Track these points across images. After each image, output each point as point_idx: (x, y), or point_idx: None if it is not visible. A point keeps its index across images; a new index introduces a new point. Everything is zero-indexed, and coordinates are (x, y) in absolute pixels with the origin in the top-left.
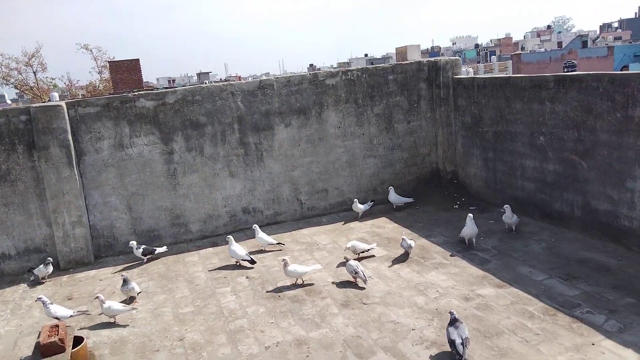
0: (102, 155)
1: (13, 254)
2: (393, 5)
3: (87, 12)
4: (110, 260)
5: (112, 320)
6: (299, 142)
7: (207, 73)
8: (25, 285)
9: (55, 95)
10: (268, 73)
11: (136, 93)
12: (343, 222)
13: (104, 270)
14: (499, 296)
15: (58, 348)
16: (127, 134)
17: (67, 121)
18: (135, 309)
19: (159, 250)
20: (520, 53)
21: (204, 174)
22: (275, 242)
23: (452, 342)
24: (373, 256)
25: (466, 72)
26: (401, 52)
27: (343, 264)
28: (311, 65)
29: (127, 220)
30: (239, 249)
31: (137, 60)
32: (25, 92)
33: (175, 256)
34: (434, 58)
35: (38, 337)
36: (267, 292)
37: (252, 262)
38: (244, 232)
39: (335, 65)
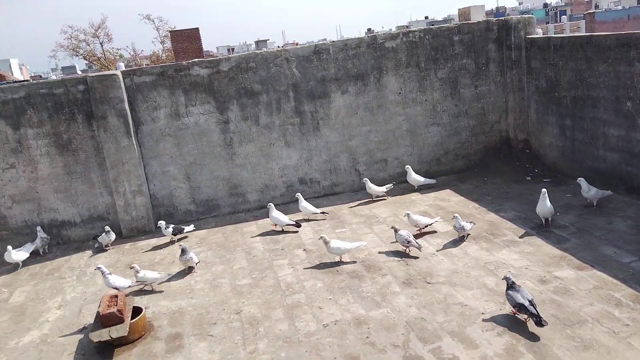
0: (159, 125)
1: (78, 222)
2: None
3: None
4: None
5: (148, 288)
6: (356, 110)
7: (265, 41)
8: (90, 252)
9: (121, 65)
10: (325, 39)
11: (190, 61)
12: (402, 194)
13: (164, 239)
14: (580, 279)
15: (117, 319)
16: (182, 103)
17: (124, 90)
18: (170, 274)
19: (187, 229)
20: (593, 12)
21: (260, 143)
22: (319, 211)
23: (520, 306)
24: (435, 232)
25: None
26: (464, 14)
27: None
28: (369, 29)
29: (185, 189)
30: (281, 215)
31: (197, 29)
32: (94, 62)
33: (234, 226)
34: (504, 17)
35: (99, 307)
36: (324, 265)
37: (298, 225)
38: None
39: (393, 30)
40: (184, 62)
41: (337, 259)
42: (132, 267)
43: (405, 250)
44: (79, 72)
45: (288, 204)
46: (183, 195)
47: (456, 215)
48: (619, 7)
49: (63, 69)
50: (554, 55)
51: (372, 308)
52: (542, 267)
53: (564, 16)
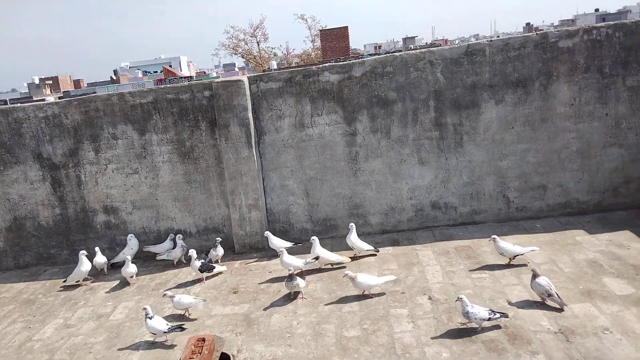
0: (282, 135)
1: (193, 232)
2: None
3: None
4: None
5: (185, 314)
6: (512, 124)
7: (413, 37)
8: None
9: (274, 63)
10: (477, 35)
11: (320, 66)
12: (564, 229)
13: (274, 260)
14: None
15: None
16: (308, 112)
17: (248, 97)
18: (205, 300)
19: (218, 268)
20: None
21: (389, 159)
22: (370, 247)
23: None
24: (611, 293)
25: None
26: None
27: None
28: (528, 24)
29: (303, 206)
30: (509, 244)
31: (346, 27)
32: (250, 60)
33: (349, 252)
34: None
35: (183, 351)
36: (454, 325)
37: (376, 250)
38: (430, 231)
39: (557, 24)
40: (313, 67)
41: (361, 292)
42: (165, 295)
43: (542, 301)
44: (237, 70)
45: (416, 231)
46: (300, 212)
47: (534, 268)
48: None
49: (224, 65)
50: None
51: None
52: None
53: None
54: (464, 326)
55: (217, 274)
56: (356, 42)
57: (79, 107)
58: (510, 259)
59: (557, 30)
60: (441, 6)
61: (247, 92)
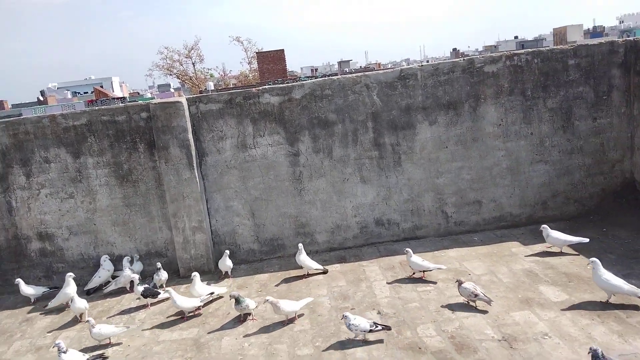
0: (224, 156)
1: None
2: None
3: (242, 7)
4: (232, 270)
5: (107, 342)
6: (446, 143)
7: (348, 61)
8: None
9: (211, 84)
10: (408, 59)
11: (260, 88)
12: (500, 242)
13: (222, 283)
14: None
15: None
16: (250, 133)
17: (188, 119)
18: (128, 327)
19: (163, 295)
20: None
21: (332, 178)
22: (320, 267)
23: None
24: (548, 300)
25: None
26: (559, 33)
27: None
28: (454, 49)
29: (249, 226)
30: (419, 259)
31: (282, 50)
32: (186, 81)
33: (299, 271)
34: (634, 37)
35: None
36: (405, 339)
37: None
38: (376, 247)
39: (481, 49)
40: (253, 89)
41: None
42: (88, 321)
43: (471, 304)
44: (172, 90)
45: (361, 247)
46: (246, 233)
47: (461, 280)
48: None
49: (159, 86)
50: None
51: None
52: None
53: None
54: (349, 338)
55: (162, 300)
56: (293, 64)
57: (6, 130)
58: (420, 272)
59: (482, 56)
60: (373, 32)
61: (187, 113)
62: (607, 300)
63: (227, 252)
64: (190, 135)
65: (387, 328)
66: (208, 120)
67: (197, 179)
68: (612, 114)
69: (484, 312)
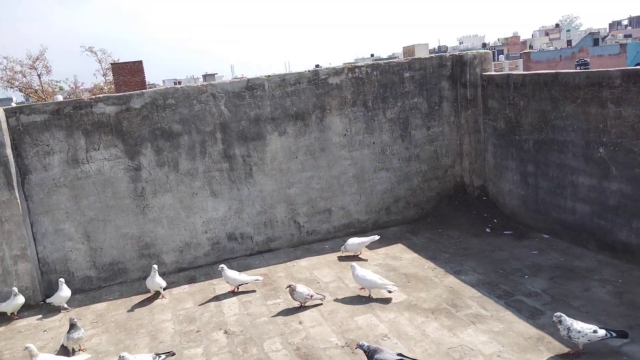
0: (52, 173)
1: None
2: (397, 3)
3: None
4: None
5: None
6: (295, 154)
7: (213, 75)
8: None
9: (59, 97)
10: (274, 73)
11: (93, 97)
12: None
13: (51, 317)
14: None
15: None
16: (82, 147)
17: (6, 132)
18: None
19: (250, 279)
20: (529, 52)
21: (180, 193)
22: (251, 279)
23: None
24: (389, 300)
25: None
26: (408, 52)
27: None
28: (317, 65)
29: (84, 251)
30: (235, 273)
31: (140, 62)
32: (30, 95)
33: (143, 296)
34: (459, 52)
35: None
36: (250, 357)
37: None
38: (228, 263)
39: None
40: (85, 99)
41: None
42: (27, 348)
43: (302, 304)
44: (14, 104)
45: (213, 265)
46: (81, 259)
47: (292, 285)
48: (551, 48)
49: None
50: (514, 94)
51: None
52: (517, 354)
53: (501, 55)
54: None
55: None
56: (154, 77)
57: None
58: (236, 287)
59: (326, 68)
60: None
61: (5, 125)
62: (369, 295)
63: (62, 280)
64: (9, 151)
65: (171, 354)
66: (31, 133)
67: (19, 200)
68: (444, 123)
69: (330, 317)
